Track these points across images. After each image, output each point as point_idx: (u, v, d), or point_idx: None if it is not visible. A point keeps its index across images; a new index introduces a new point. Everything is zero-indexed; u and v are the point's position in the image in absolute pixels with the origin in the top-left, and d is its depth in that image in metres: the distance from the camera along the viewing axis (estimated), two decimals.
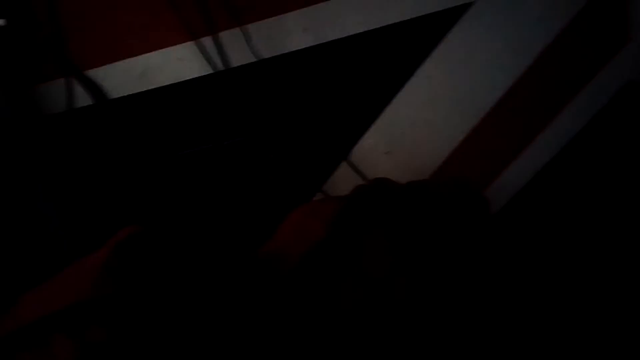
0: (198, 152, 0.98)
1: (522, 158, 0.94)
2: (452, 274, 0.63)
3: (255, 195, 0.98)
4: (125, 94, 0.96)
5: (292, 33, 0.90)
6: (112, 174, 0.99)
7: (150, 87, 0.97)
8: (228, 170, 0.99)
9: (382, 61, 0.91)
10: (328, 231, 0.55)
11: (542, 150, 0.94)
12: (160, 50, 0.94)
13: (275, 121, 0.94)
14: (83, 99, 0.94)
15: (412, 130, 0.95)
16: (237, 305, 0.50)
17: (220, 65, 0.88)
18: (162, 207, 1.01)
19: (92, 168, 0.98)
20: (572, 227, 0.92)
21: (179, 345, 0.46)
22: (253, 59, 0.88)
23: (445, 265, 0.61)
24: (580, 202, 0.93)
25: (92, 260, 0.49)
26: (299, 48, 0.90)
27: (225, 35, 0.88)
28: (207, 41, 0.89)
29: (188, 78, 0.95)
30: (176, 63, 0.95)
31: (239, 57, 0.89)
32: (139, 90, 0.97)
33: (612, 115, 0.90)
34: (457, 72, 0.90)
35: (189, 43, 0.92)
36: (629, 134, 0.89)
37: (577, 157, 0.93)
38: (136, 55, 0.94)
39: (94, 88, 0.82)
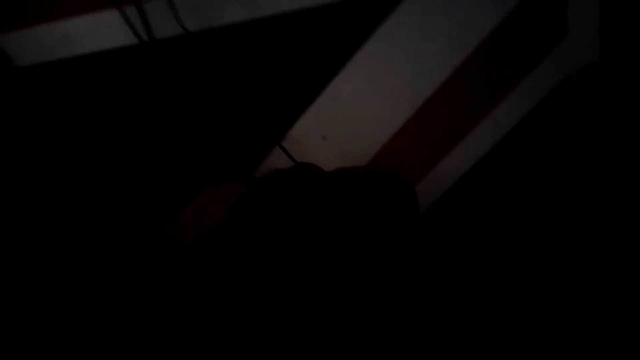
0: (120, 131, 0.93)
1: (458, 149, 0.93)
2: (370, 269, 0.60)
3: (180, 180, 0.94)
4: (41, 62, 0.89)
5: (225, 5, 0.84)
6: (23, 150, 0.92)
7: (69, 55, 0.90)
8: (151, 149, 0.94)
9: (322, 41, 0.87)
10: (226, 216, 0.52)
11: (477, 143, 0.93)
12: (83, 16, 0.87)
13: (203, 100, 0.89)
14: None
15: (350, 115, 0.92)
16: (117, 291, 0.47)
17: (144, 36, 0.82)
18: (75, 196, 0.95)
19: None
20: (502, 223, 0.93)
21: None
22: (179, 31, 0.83)
23: (361, 259, 0.58)
24: (514, 197, 0.93)
25: None
26: (231, 22, 0.85)
27: (151, 4, 0.82)
28: (133, 9, 0.83)
29: (110, 48, 0.89)
30: (100, 30, 0.88)
31: (165, 28, 0.83)
32: (56, 58, 0.90)
33: (548, 109, 0.90)
34: (395, 58, 0.87)
35: (113, 10, 0.85)
36: (564, 128, 0.89)
37: (511, 151, 0.92)
38: (56, 20, 0.87)
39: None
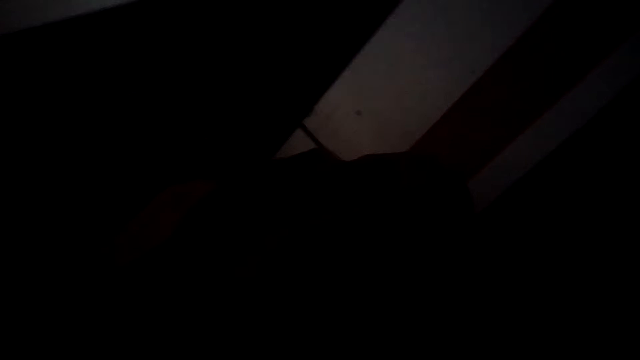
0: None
1: (524, 137, 0.73)
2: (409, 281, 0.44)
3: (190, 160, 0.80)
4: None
5: None
6: None
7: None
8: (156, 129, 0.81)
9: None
10: (175, 232, 0.39)
11: (549, 131, 0.73)
12: None
13: (216, 69, 0.75)
14: None
15: (391, 86, 0.75)
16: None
17: None
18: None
19: None
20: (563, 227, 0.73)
21: None
22: None
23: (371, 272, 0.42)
24: (573, 202, 0.72)
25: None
26: None
27: None
28: None
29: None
30: None
31: None
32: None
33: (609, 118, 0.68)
34: (450, 11, 0.69)
35: None
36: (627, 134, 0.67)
37: (574, 153, 0.72)
38: None
39: None
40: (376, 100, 0.75)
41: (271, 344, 0.33)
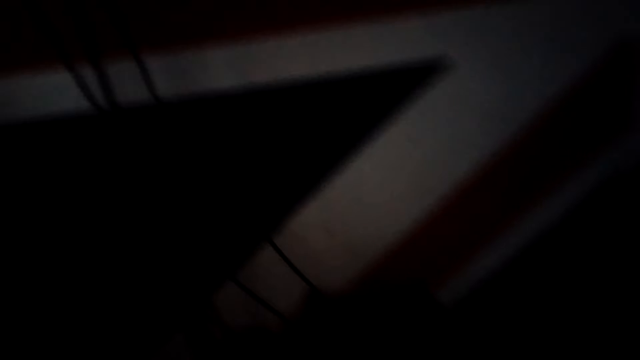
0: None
1: (484, 253, 0.76)
2: None
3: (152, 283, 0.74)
4: None
5: (212, 69, 0.68)
6: None
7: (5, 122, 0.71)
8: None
9: (329, 120, 0.71)
10: None
11: (511, 241, 0.77)
12: (28, 76, 0.69)
13: (183, 184, 0.71)
14: None
15: (359, 207, 0.75)
16: None
17: (103, 103, 0.64)
18: None
19: None
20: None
21: None
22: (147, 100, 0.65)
23: None
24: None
25: None
26: (219, 90, 0.68)
27: (114, 66, 0.64)
28: (89, 71, 0.65)
29: (58, 114, 0.70)
30: (48, 93, 0.70)
31: (133, 94, 0.66)
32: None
33: (595, 207, 0.74)
34: (418, 143, 0.72)
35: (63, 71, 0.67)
36: (611, 226, 0.73)
37: (548, 252, 0.76)
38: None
39: None
40: (343, 220, 0.74)
41: None
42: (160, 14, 0.64)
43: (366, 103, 0.68)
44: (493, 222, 0.75)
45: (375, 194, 0.73)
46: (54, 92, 0.69)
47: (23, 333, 0.73)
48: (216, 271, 0.74)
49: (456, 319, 0.62)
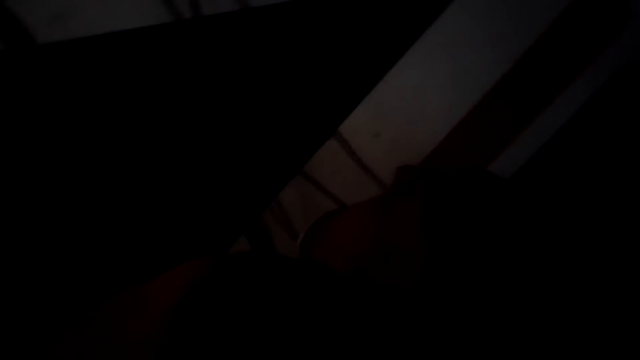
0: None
1: (517, 143, 0.88)
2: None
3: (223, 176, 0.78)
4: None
5: None
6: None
7: (66, 38, 0.71)
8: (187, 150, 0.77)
9: (379, 26, 0.78)
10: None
11: (536, 136, 0.89)
12: None
13: (249, 87, 0.75)
14: None
15: (405, 112, 0.83)
16: None
17: (185, 12, 0.66)
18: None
19: None
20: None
21: None
22: (228, 8, 0.68)
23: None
24: (571, 192, 0.90)
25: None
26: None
27: None
28: None
29: (125, 29, 0.71)
30: (112, 5, 0.71)
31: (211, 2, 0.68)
32: (47, 41, 0.71)
33: (603, 102, 0.88)
34: (458, 47, 0.80)
35: None
36: (619, 121, 0.87)
37: (568, 144, 0.89)
38: None
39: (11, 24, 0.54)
40: (392, 123, 0.82)
41: None
42: None
43: (403, 12, 0.75)
44: (515, 121, 0.86)
45: (418, 96, 0.81)
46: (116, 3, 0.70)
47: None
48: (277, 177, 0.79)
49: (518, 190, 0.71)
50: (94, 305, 0.39)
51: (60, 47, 0.67)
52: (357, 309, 0.37)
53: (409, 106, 0.81)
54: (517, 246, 0.51)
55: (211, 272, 0.33)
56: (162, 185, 0.76)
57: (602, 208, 0.85)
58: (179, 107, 0.74)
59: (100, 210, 0.75)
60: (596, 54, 0.83)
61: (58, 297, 0.73)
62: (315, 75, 0.76)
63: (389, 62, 0.77)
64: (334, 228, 0.54)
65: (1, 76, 0.65)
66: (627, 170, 0.86)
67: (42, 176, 0.72)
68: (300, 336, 0.33)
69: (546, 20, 0.80)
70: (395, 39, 0.76)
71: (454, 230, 0.44)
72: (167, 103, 0.73)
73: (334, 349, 0.34)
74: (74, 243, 0.74)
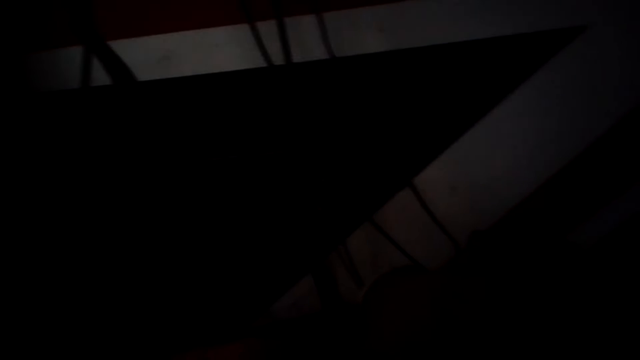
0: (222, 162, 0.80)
1: (603, 213, 0.82)
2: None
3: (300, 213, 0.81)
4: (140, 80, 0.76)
5: (365, 31, 0.74)
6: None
7: (170, 76, 0.78)
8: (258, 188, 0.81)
9: (467, 81, 0.77)
10: None
11: (624, 208, 0.82)
12: (194, 31, 0.76)
13: (331, 133, 0.78)
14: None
15: (485, 166, 0.81)
16: None
17: (276, 58, 0.70)
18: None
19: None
20: None
21: None
22: (319, 56, 0.72)
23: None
24: None
25: None
26: (372, 51, 0.75)
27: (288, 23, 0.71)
28: (261, 27, 0.72)
29: (221, 70, 0.77)
30: (210, 49, 0.77)
31: (301, 51, 0.72)
32: (155, 78, 0.78)
33: None
34: (548, 111, 0.78)
35: (230, 27, 0.74)
36: None
37: None
38: (162, 32, 0.76)
39: (117, 64, 0.61)
40: (470, 178, 0.80)
41: None
42: None
43: (502, 65, 0.74)
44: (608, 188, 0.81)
45: (501, 153, 0.79)
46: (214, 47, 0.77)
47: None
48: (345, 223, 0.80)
49: (601, 261, 0.67)
50: None
51: (160, 85, 0.75)
52: None
53: (490, 163, 0.79)
54: (591, 327, 0.48)
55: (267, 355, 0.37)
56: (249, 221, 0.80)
57: None
58: (267, 144, 0.78)
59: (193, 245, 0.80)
60: None
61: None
62: (395, 124, 0.77)
63: (474, 117, 0.76)
64: (394, 296, 0.54)
65: (107, 108, 0.73)
66: None
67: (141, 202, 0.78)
68: None
69: None
70: (483, 94, 0.75)
71: (521, 308, 0.43)
72: (257, 140, 0.78)
73: None
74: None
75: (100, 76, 0.63)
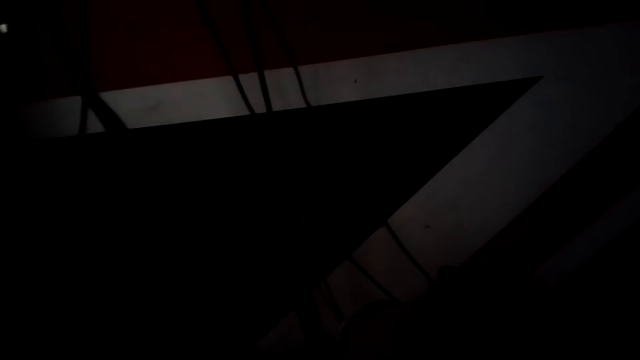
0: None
1: (570, 248, 0.87)
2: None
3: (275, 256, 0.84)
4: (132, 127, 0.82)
5: (340, 82, 0.80)
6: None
7: (159, 123, 0.83)
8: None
9: (435, 127, 0.83)
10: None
11: (590, 243, 0.87)
12: (181, 83, 0.81)
13: (310, 178, 0.83)
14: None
15: (457, 205, 0.86)
16: None
17: (255, 108, 0.76)
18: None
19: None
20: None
21: None
22: (295, 105, 0.78)
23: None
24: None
25: None
26: (348, 100, 0.80)
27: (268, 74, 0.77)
28: (243, 78, 0.78)
29: (207, 119, 0.83)
30: (196, 99, 0.83)
31: (281, 100, 0.78)
32: (145, 125, 0.83)
33: None
34: (515, 147, 0.83)
35: (217, 78, 0.80)
36: None
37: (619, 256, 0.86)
38: (153, 84, 0.81)
39: (109, 114, 0.67)
40: (444, 216, 0.85)
41: None
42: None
43: (467, 112, 0.80)
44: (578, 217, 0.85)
45: (472, 193, 0.84)
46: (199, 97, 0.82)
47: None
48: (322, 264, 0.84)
49: (565, 299, 0.70)
50: None
51: (148, 132, 0.80)
52: None
53: (462, 202, 0.84)
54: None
55: None
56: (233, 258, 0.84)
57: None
58: (250, 187, 0.82)
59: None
60: None
61: None
62: (369, 168, 0.82)
63: (443, 160, 0.82)
64: (366, 330, 0.58)
65: (98, 155, 0.78)
66: None
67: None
68: None
69: (612, 124, 0.81)
70: (450, 139, 0.81)
71: (480, 341, 0.46)
72: (240, 183, 0.82)
73: None
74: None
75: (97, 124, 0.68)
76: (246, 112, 0.77)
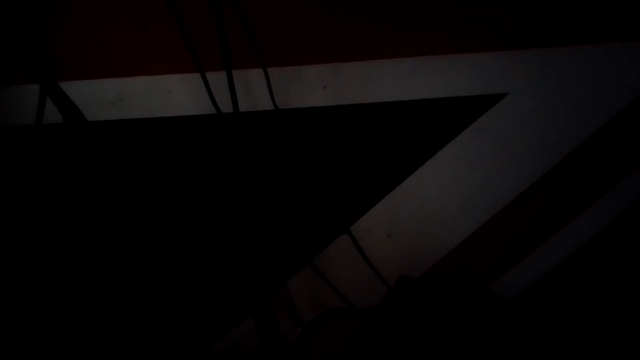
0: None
1: (532, 258, 0.89)
2: None
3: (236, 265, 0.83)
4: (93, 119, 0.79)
5: (309, 87, 0.80)
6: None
7: (122, 117, 0.81)
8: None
9: (400, 137, 0.84)
10: None
11: (553, 252, 0.89)
12: (148, 77, 0.79)
13: (273, 182, 0.82)
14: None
15: (419, 215, 0.87)
16: None
17: (222, 107, 0.75)
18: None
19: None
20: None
21: None
22: (263, 107, 0.77)
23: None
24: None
25: None
26: (316, 105, 0.80)
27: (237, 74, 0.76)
28: (211, 76, 0.77)
29: (171, 115, 0.81)
30: (162, 95, 0.81)
31: (248, 101, 0.77)
32: (107, 118, 0.81)
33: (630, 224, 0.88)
34: (478, 163, 0.85)
35: (184, 74, 0.79)
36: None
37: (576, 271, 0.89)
38: (118, 76, 0.79)
39: (69, 105, 0.64)
40: (405, 226, 0.85)
41: None
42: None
43: (432, 125, 0.81)
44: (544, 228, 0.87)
45: (433, 204, 0.85)
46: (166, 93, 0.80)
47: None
48: (286, 270, 0.83)
49: (517, 312, 0.72)
50: None
51: (108, 126, 0.78)
52: None
53: (423, 212, 0.85)
54: None
55: None
56: (187, 259, 0.82)
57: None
58: (211, 187, 0.81)
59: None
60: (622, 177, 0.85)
61: None
62: (333, 175, 0.82)
63: (408, 170, 0.82)
64: (322, 337, 0.58)
65: (57, 145, 0.75)
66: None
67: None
68: None
69: (571, 144, 0.84)
70: (415, 149, 0.81)
71: (431, 349, 0.47)
72: (201, 183, 0.81)
73: None
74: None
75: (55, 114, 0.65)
76: (212, 110, 0.76)
